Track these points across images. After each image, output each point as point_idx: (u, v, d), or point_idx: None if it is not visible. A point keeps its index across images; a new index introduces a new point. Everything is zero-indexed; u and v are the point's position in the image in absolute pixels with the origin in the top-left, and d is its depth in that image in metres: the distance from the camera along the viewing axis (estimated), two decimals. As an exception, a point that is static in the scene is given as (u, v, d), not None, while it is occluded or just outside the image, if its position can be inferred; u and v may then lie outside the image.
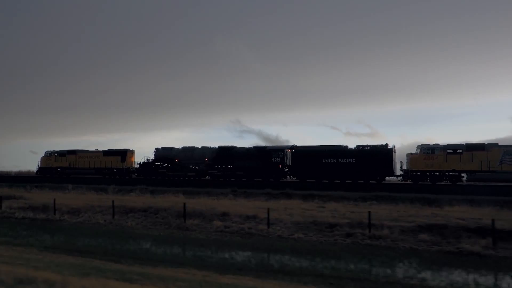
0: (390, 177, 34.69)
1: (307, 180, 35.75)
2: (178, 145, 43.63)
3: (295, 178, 37.21)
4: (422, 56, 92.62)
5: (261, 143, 49.41)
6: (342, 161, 34.97)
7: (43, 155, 48.53)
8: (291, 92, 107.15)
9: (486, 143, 31.99)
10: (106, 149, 46.45)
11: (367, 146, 35.22)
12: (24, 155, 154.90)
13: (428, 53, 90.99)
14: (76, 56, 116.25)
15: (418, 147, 33.68)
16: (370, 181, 33.71)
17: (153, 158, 42.90)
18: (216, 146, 40.93)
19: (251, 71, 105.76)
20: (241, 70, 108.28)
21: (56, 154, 47.80)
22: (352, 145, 36.20)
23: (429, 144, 33.35)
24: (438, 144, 33.10)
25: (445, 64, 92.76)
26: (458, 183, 31.68)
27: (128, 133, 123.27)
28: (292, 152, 37.27)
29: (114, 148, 46.50)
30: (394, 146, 34.80)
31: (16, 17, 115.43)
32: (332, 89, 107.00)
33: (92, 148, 48.22)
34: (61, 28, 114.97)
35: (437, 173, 32.39)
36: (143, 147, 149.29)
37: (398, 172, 34.33)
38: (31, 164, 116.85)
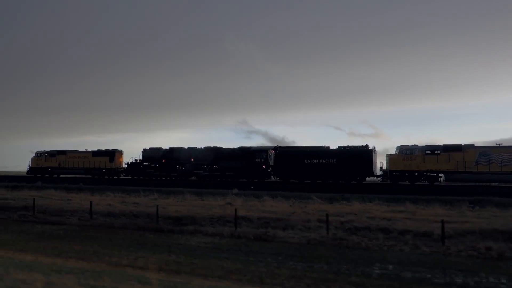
0: (371, 177, 35.43)
1: (290, 180, 36.50)
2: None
3: (278, 178, 37.94)
4: (427, 56, 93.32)
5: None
6: (324, 161, 35.67)
7: (34, 155, 49.20)
8: (297, 93, 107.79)
9: (463, 144, 32.73)
10: (95, 149, 47.17)
11: (347, 147, 35.92)
12: (24, 155, 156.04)
13: (433, 54, 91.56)
14: (86, 55, 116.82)
15: (397, 147, 34.38)
16: (351, 181, 34.47)
17: (141, 159, 43.60)
18: (203, 147, 41.70)
19: (259, 71, 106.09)
20: (249, 70, 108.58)
21: (46, 154, 48.43)
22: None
23: (408, 145, 34.06)
24: (417, 145, 33.85)
25: (450, 65, 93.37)
26: (436, 183, 32.48)
27: (129, 133, 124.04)
28: (275, 152, 37.98)
29: (103, 148, 47.16)
30: (374, 147, 35.61)
31: (16, 18, 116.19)
32: (337, 89, 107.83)
33: (84, 148, 48.80)
34: (62, 28, 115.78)
35: (416, 173, 33.16)
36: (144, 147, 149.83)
37: (378, 172, 35.08)
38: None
